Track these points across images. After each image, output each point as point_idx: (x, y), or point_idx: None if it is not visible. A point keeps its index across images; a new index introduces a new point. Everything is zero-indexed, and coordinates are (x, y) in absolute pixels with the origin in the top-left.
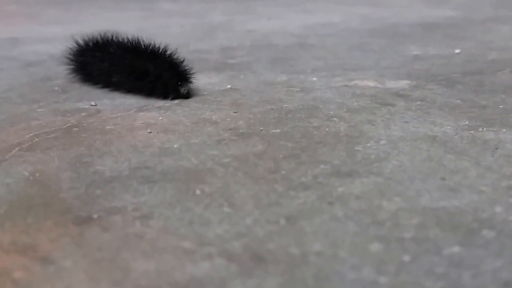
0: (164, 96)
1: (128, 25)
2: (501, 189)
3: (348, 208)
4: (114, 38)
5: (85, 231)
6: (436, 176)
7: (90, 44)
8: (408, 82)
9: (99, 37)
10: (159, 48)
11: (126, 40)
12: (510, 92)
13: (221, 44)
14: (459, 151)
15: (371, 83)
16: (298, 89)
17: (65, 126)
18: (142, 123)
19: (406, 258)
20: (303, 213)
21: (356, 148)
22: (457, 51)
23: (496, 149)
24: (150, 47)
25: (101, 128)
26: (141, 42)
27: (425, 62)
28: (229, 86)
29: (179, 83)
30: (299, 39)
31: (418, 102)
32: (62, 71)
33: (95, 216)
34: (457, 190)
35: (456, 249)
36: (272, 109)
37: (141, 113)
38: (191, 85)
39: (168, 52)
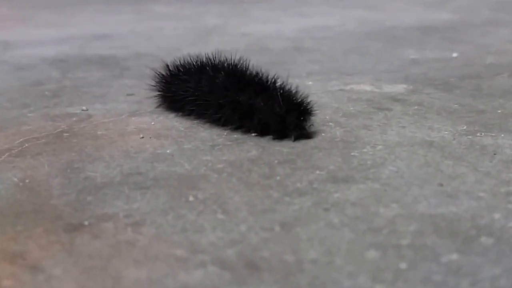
0: (282, 135)
1: (121, 27)
2: (499, 195)
3: (344, 214)
4: (211, 61)
5: (75, 238)
6: (434, 182)
7: (183, 69)
8: (405, 86)
9: (193, 61)
10: (266, 76)
11: (225, 65)
12: (509, 96)
13: (215, 47)
14: (457, 157)
15: (368, 87)
16: None
17: (55, 131)
18: (135, 128)
19: (403, 265)
20: (298, 220)
21: (352, 154)
22: (455, 54)
23: (495, 154)
24: (255, 74)
25: (92, 133)
26: (243, 68)
27: (423, 66)
28: None
29: (302, 118)
30: (294, 42)
31: (415, 107)
32: (53, 75)
33: (86, 223)
34: (455, 196)
35: (454, 256)
36: None
37: (133, 118)
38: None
39: (279, 82)
